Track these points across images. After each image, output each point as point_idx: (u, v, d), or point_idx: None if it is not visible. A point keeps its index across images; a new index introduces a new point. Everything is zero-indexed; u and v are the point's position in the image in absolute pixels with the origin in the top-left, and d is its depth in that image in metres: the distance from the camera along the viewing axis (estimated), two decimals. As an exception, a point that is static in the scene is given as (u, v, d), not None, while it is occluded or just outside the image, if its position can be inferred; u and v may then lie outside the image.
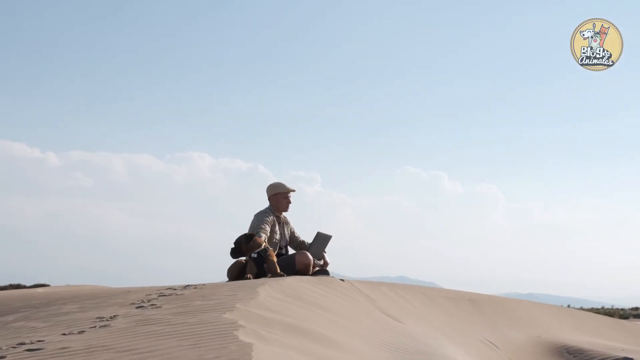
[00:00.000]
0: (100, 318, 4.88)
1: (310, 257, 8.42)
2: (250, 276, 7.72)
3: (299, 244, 8.88)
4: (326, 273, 8.54)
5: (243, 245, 7.83)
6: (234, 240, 7.86)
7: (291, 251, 8.80)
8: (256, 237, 7.88)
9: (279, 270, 7.87)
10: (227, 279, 8.11)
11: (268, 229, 8.33)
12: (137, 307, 5.26)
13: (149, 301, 5.52)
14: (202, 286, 6.63)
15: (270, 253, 7.94)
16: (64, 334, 4.37)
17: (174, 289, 6.46)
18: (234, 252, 7.87)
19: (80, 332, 4.38)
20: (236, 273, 8.01)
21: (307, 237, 8.90)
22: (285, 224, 8.81)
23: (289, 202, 8.71)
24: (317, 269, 8.61)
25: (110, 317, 4.86)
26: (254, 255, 7.88)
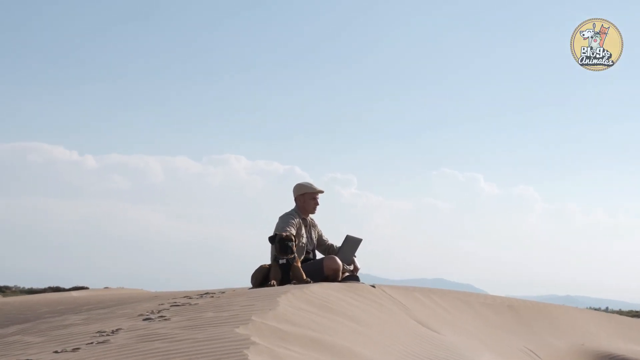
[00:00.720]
0: (101, 332, 4.37)
1: (339, 262, 7.87)
2: (275, 283, 7.20)
3: (327, 248, 8.35)
4: (356, 279, 7.98)
5: (294, 245, 7.40)
6: (282, 237, 7.42)
7: (319, 256, 8.27)
8: (292, 237, 7.43)
9: (305, 277, 7.35)
10: (251, 285, 7.62)
11: (294, 232, 7.81)
12: (144, 320, 4.75)
13: (158, 312, 5.02)
14: (221, 293, 6.14)
15: (297, 261, 7.44)
16: (56, 352, 3.88)
17: (190, 297, 5.96)
18: (288, 250, 7.38)
19: (75, 350, 3.88)
20: (260, 279, 7.49)
21: (337, 240, 8.37)
22: (313, 226, 8.28)
23: (317, 204, 8.17)
24: (346, 274, 8.06)
25: (112, 332, 4.35)
26: (282, 260, 7.37)
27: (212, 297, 5.85)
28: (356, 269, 8.23)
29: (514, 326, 9.79)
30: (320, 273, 7.79)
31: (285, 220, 7.92)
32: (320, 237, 8.31)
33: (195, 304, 5.41)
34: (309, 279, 7.24)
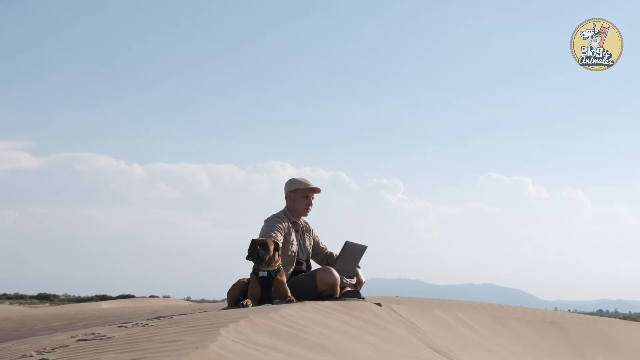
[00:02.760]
0: None
1: (336, 274, 6.33)
2: (249, 302, 5.72)
3: (325, 258, 6.82)
4: (357, 295, 6.44)
5: (268, 253, 5.84)
6: (255, 241, 5.89)
7: (315, 266, 6.78)
8: (268, 241, 5.90)
9: (289, 294, 5.85)
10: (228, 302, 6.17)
11: (280, 237, 6.29)
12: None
13: (42, 352, 3.56)
14: (169, 318, 4.69)
15: (281, 274, 5.94)
16: None
17: (120, 326, 4.52)
18: (257, 257, 5.78)
19: None
20: (237, 297, 5.99)
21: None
22: (307, 231, 6.75)
23: (310, 204, 6.63)
24: (347, 289, 6.55)
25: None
26: (262, 273, 5.88)
27: (144, 326, 4.39)
28: (360, 282, 6.69)
29: (558, 348, 8.16)
30: (313, 288, 6.29)
31: (270, 223, 6.43)
32: (316, 244, 6.80)
33: (106, 336, 3.95)
34: (292, 297, 5.75)
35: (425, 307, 7.22)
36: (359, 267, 6.70)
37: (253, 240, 5.90)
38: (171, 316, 5.03)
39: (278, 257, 5.93)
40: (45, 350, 3.61)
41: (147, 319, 5.12)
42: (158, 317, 5.26)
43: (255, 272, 5.84)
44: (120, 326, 4.51)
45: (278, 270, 5.85)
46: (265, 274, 5.81)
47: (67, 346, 3.69)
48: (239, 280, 6.08)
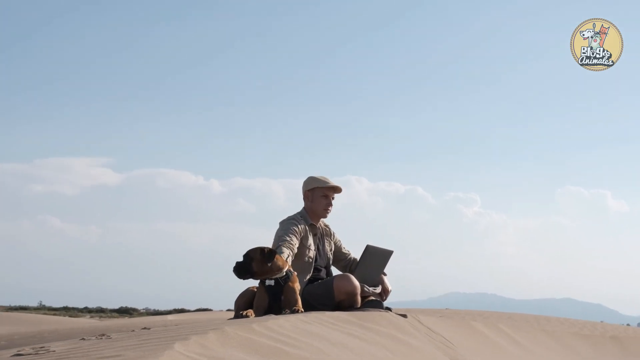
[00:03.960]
0: None
1: (355, 282, 5.63)
2: (251, 313, 5.08)
3: (348, 264, 6.14)
4: (379, 305, 5.73)
5: (256, 263, 5.17)
6: (244, 253, 5.22)
7: (337, 273, 6.10)
8: (278, 256, 5.21)
9: (299, 304, 5.19)
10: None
11: (295, 242, 5.65)
12: None
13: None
14: (142, 330, 4.11)
15: (293, 279, 5.26)
16: None
17: (74, 341, 3.96)
18: (240, 270, 5.20)
19: None
20: (243, 306, 5.36)
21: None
22: (327, 235, 6.09)
23: (329, 205, 5.95)
24: (371, 299, 5.86)
25: None
26: (269, 282, 5.22)
27: (101, 337, 3.81)
28: (386, 291, 5.98)
29: (617, 365, 7.28)
30: (330, 297, 5.61)
31: (285, 226, 5.78)
32: (338, 249, 6.12)
33: (47, 351, 3.39)
34: (299, 308, 5.06)
35: (463, 320, 6.46)
36: (385, 274, 6.02)
37: (254, 249, 5.21)
38: (146, 328, 4.45)
39: (285, 262, 5.26)
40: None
41: (130, 331, 4.56)
42: (146, 328, 4.69)
43: (262, 280, 5.20)
44: (83, 339, 3.94)
45: (287, 277, 5.18)
46: (272, 282, 5.16)
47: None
48: (248, 288, 5.46)
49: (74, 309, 42.79)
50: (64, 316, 33.15)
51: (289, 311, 4.99)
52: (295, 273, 5.26)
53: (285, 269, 5.17)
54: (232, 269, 5.17)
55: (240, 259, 5.20)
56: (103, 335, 3.92)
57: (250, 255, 5.12)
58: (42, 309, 43.89)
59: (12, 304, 45.16)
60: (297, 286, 5.16)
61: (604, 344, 7.66)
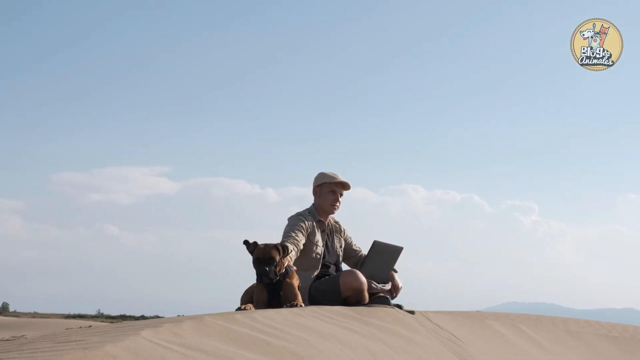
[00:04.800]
0: None
1: (362, 278, 5.54)
2: (250, 307, 5.03)
3: (359, 261, 6.03)
4: (386, 302, 5.62)
5: (279, 264, 5.07)
6: (261, 257, 5.10)
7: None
8: (272, 252, 5.10)
9: (298, 299, 5.12)
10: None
11: (300, 237, 5.57)
12: None
13: None
14: (78, 329, 4.08)
15: (292, 275, 5.19)
16: None
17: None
18: (274, 274, 4.98)
19: None
20: (246, 301, 5.35)
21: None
22: (337, 232, 6.00)
23: (336, 201, 5.84)
24: (380, 295, 5.76)
25: None
26: (267, 279, 5.15)
27: (21, 337, 3.77)
28: (396, 288, 5.86)
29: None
30: (337, 293, 5.52)
31: (292, 222, 5.72)
32: (348, 245, 6.03)
33: (23, 337, 3.39)
34: (297, 303, 4.99)
35: (477, 319, 6.30)
36: (396, 272, 5.91)
37: (256, 259, 5.10)
38: (88, 326, 4.43)
39: (288, 259, 5.20)
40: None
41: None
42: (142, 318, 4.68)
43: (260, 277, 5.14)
44: (67, 329, 3.95)
45: (286, 272, 5.11)
46: (269, 279, 5.09)
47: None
48: (253, 284, 5.42)
49: (130, 317, 43.21)
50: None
51: (288, 305, 4.93)
52: (295, 268, 5.17)
53: (285, 265, 5.11)
54: (258, 277, 5.03)
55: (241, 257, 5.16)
56: (90, 327, 3.92)
57: (274, 259, 5.02)
58: (99, 317, 44.56)
59: (71, 312, 45.98)
60: (296, 282, 5.09)
61: (632, 347, 7.40)
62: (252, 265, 5.08)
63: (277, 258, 5.00)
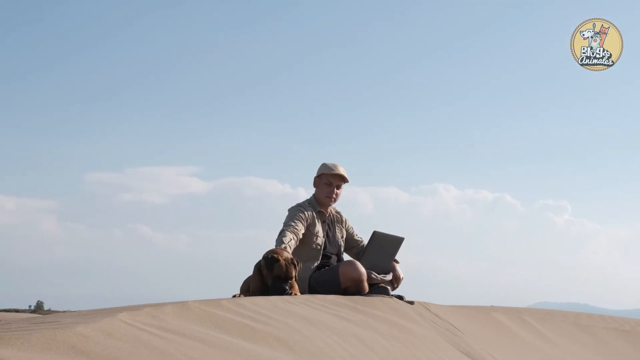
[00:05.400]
0: None
1: (361, 269, 5.53)
2: (242, 296, 5.05)
3: (360, 251, 6.05)
4: (385, 292, 5.62)
5: (293, 269, 5.08)
6: (276, 263, 5.05)
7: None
8: (278, 261, 5.07)
9: (296, 288, 5.10)
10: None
11: (300, 227, 5.57)
12: None
13: None
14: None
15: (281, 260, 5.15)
16: None
17: None
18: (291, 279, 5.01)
19: None
20: (245, 289, 5.39)
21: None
22: (338, 222, 6.00)
23: (332, 192, 5.76)
24: (381, 285, 5.75)
25: None
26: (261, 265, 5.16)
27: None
28: (397, 279, 5.85)
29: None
30: (336, 284, 5.53)
31: (292, 213, 5.73)
32: (350, 236, 6.03)
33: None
34: (291, 292, 5.00)
35: (483, 310, 6.27)
36: (397, 262, 5.91)
37: (277, 276, 5.03)
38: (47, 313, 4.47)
39: (287, 250, 5.22)
40: None
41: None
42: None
43: (258, 267, 5.17)
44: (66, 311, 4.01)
45: (276, 259, 5.13)
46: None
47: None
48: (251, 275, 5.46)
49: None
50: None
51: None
52: (286, 255, 5.17)
53: (281, 259, 5.12)
54: (278, 293, 4.97)
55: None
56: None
57: (291, 275, 5.00)
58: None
59: (103, 309, 46.38)
60: (294, 272, 5.11)
61: (644, 340, 7.31)
62: (266, 275, 5.04)
63: (294, 274, 5.00)
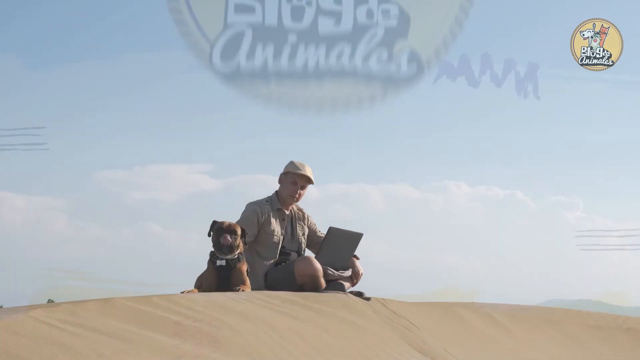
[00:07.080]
0: None
1: (317, 265, 5.47)
2: (195, 291, 5.03)
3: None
4: (340, 288, 5.56)
5: (240, 240, 5.08)
6: (223, 226, 5.06)
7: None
8: (235, 226, 5.11)
9: (247, 284, 5.07)
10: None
11: (251, 228, 5.57)
12: None
13: None
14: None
15: (243, 262, 5.17)
16: None
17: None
18: (232, 247, 5.02)
19: None
20: (198, 286, 5.36)
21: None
22: (299, 219, 5.94)
23: (296, 192, 5.67)
24: (340, 282, 5.71)
25: None
26: (220, 262, 5.16)
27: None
28: (356, 275, 5.80)
29: (624, 356, 6.85)
30: (292, 281, 5.47)
31: (245, 214, 5.67)
32: (312, 232, 5.95)
33: None
34: (240, 288, 4.96)
35: (449, 307, 6.21)
36: (358, 258, 5.86)
37: (219, 227, 5.15)
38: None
39: (244, 244, 5.20)
40: None
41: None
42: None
43: (212, 260, 5.14)
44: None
45: (238, 259, 5.09)
46: (223, 262, 5.04)
47: None
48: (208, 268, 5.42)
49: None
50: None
51: (239, 289, 4.92)
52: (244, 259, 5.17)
53: (239, 252, 5.11)
54: (223, 246, 5.00)
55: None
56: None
57: (236, 231, 5.07)
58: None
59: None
60: (245, 267, 5.08)
61: (617, 337, 7.19)
62: (211, 238, 5.10)
63: (239, 232, 5.04)
